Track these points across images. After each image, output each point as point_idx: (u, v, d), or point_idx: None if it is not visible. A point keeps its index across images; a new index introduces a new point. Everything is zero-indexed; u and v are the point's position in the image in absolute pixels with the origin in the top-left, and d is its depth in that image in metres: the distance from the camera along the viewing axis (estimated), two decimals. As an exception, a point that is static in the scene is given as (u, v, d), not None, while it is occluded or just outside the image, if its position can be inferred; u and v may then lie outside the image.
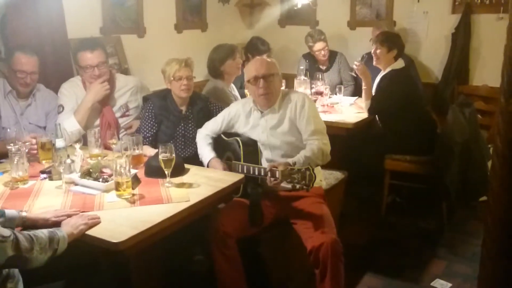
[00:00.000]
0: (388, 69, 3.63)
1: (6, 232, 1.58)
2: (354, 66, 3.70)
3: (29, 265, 1.65)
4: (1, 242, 1.54)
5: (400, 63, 3.63)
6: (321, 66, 4.61)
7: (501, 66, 2.05)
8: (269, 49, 4.51)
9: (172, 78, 2.89)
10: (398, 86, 3.55)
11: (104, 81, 2.98)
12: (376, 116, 3.67)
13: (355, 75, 3.72)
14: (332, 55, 4.58)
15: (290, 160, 2.34)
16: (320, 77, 4.11)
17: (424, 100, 3.80)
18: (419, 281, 2.92)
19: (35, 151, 2.58)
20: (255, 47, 4.45)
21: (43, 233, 1.71)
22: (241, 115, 2.77)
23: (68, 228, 1.81)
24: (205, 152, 2.77)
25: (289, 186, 2.21)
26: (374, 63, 3.73)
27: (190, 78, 2.92)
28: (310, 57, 4.65)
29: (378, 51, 3.65)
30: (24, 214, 1.92)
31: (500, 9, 4.06)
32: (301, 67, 4.27)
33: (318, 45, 4.41)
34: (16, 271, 1.77)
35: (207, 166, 2.71)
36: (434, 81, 4.58)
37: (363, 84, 3.66)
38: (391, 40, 3.65)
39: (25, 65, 2.83)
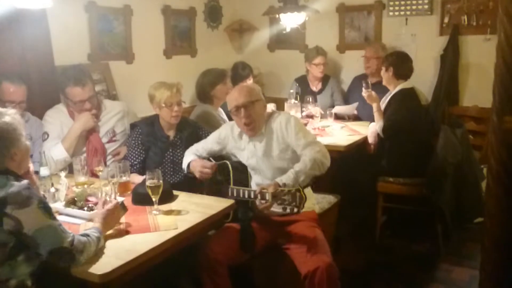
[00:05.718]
0: (398, 88, 3.62)
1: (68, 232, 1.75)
2: (363, 93, 3.70)
3: (73, 264, 1.72)
4: (63, 233, 1.71)
5: (409, 83, 3.64)
6: (314, 89, 4.61)
7: (490, 86, 2.04)
8: (251, 73, 4.47)
9: (163, 105, 2.85)
10: (407, 105, 3.54)
11: (94, 113, 2.95)
12: (381, 135, 3.60)
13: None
14: (325, 78, 4.61)
15: (278, 180, 2.28)
16: (310, 100, 4.11)
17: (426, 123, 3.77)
18: (416, 306, 2.85)
19: None
20: (236, 72, 4.43)
21: (91, 245, 1.79)
22: (230, 137, 2.74)
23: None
24: (189, 158, 2.74)
25: (279, 210, 2.16)
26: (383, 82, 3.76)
27: (180, 103, 2.90)
28: (302, 80, 4.66)
29: (381, 71, 3.72)
30: None
31: (487, 30, 4.10)
32: (291, 91, 4.25)
33: (319, 59, 4.47)
34: None
35: (187, 168, 2.70)
36: (424, 103, 4.58)
37: (374, 108, 3.64)
38: (387, 59, 3.69)
39: (13, 95, 2.80)
